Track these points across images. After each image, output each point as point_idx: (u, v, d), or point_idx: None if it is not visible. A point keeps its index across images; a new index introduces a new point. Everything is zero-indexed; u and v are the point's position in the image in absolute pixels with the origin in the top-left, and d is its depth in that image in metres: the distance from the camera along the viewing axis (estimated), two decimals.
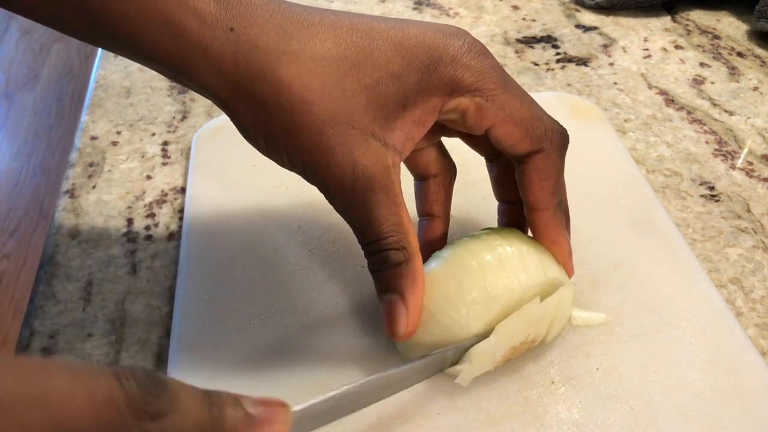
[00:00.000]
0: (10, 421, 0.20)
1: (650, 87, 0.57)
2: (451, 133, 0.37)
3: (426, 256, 0.35)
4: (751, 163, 0.50)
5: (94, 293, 0.42)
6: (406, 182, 0.34)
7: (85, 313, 0.41)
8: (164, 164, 0.51)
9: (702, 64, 0.60)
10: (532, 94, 0.35)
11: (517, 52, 0.62)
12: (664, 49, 0.61)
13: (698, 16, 0.66)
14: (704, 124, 0.53)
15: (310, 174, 0.32)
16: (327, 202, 0.33)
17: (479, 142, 0.37)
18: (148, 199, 0.48)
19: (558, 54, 0.61)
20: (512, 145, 0.34)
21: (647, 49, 0.62)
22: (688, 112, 0.54)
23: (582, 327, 0.37)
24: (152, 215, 0.47)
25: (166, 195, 0.48)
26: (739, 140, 0.52)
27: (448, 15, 0.67)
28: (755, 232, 0.45)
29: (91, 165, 0.51)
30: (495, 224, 0.39)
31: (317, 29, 0.31)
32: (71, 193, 0.49)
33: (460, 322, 0.33)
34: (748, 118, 0.54)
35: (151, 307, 0.41)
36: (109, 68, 0.61)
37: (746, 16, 0.65)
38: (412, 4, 0.68)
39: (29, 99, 2.10)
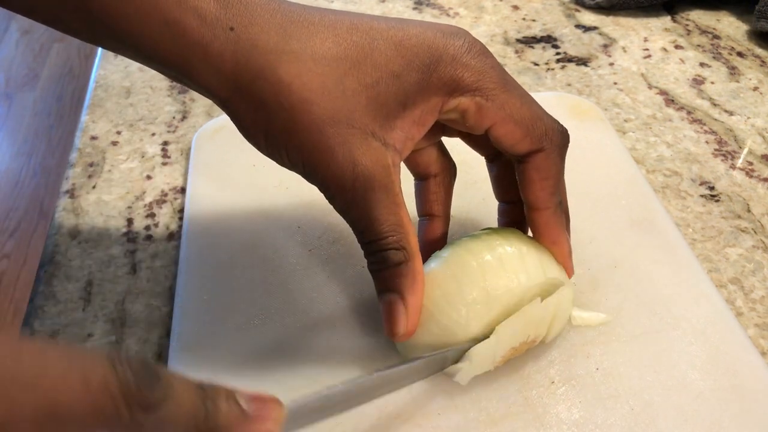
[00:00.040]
0: (2, 403, 0.20)
1: (650, 87, 0.57)
2: (451, 133, 0.37)
3: (426, 256, 0.35)
4: (751, 163, 0.50)
5: (94, 293, 0.42)
6: (406, 182, 0.34)
7: (85, 313, 0.41)
8: (164, 164, 0.51)
9: (702, 64, 0.60)
10: (532, 94, 0.35)
11: (517, 52, 0.62)
12: (664, 49, 0.61)
13: (698, 16, 0.66)
14: (704, 124, 0.53)
15: (310, 173, 0.32)
16: (327, 202, 0.33)
17: (479, 142, 0.37)
18: (148, 199, 0.48)
19: (558, 54, 0.61)
20: (513, 144, 0.34)
21: (647, 49, 0.62)
22: (688, 112, 0.54)
23: (582, 327, 0.37)
24: (152, 215, 0.47)
25: (166, 195, 0.48)
26: (739, 140, 0.52)
27: (448, 15, 0.67)
28: (755, 232, 0.45)
29: (91, 165, 0.51)
30: (495, 224, 0.39)
31: (317, 29, 0.31)
32: (71, 193, 0.49)
33: (460, 322, 0.33)
34: (748, 118, 0.54)
35: (151, 307, 0.41)
36: (109, 68, 0.61)
37: (746, 16, 0.65)
38: (412, 4, 0.68)
39: (29, 99, 2.10)
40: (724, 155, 0.50)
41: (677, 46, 0.62)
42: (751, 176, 0.49)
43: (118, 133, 0.54)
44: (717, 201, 0.47)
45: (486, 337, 0.33)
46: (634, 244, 0.42)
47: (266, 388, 0.26)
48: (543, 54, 0.61)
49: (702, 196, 0.47)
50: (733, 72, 0.59)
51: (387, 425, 0.34)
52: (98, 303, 0.41)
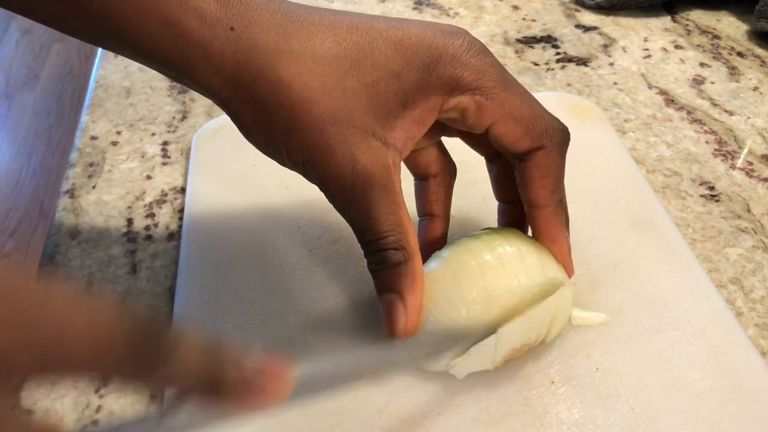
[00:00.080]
0: (4, 339, 0.20)
1: (650, 87, 0.57)
2: (451, 133, 0.37)
3: (426, 256, 0.35)
4: (751, 163, 0.50)
5: (94, 293, 0.42)
6: (406, 182, 0.34)
7: None
8: (164, 164, 0.51)
9: (702, 64, 0.60)
10: (532, 94, 0.35)
11: (517, 52, 0.62)
12: (664, 49, 0.61)
13: (698, 16, 0.66)
14: (704, 124, 0.53)
15: (310, 172, 0.32)
16: (327, 201, 0.33)
17: (479, 141, 0.37)
18: (148, 199, 0.48)
19: (558, 54, 0.61)
20: (513, 142, 0.34)
21: (647, 49, 0.62)
22: (688, 112, 0.54)
23: (582, 327, 0.37)
24: (152, 215, 0.47)
25: (166, 195, 0.48)
26: (739, 140, 0.52)
27: (448, 15, 0.67)
28: (755, 232, 0.45)
29: (91, 165, 0.51)
30: (495, 224, 0.39)
31: (317, 28, 0.32)
32: (71, 193, 0.49)
33: (460, 322, 0.33)
34: (748, 118, 0.54)
35: (151, 307, 0.41)
36: (109, 68, 0.61)
37: (746, 16, 0.65)
38: (412, 4, 0.68)
39: (29, 99, 2.10)
40: (724, 155, 0.50)
41: (677, 46, 0.62)
42: (751, 176, 0.49)
43: (118, 133, 0.54)
44: (717, 201, 0.47)
45: (486, 337, 0.33)
46: (634, 244, 0.42)
47: None
48: (543, 54, 0.61)
49: (702, 196, 0.47)
50: (733, 72, 0.59)
51: (387, 425, 0.34)
52: None
